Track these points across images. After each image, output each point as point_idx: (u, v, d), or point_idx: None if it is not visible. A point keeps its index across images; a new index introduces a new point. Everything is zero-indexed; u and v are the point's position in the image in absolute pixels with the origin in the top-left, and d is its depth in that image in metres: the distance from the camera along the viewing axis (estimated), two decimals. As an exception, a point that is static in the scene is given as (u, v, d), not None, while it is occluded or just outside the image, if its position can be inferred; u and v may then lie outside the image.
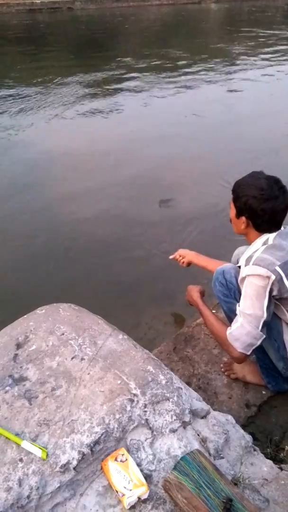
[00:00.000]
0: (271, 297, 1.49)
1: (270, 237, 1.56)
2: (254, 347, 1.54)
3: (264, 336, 1.53)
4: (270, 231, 1.58)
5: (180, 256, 2.35)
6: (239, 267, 1.64)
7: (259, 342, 1.53)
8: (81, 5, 22.86)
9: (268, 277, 1.45)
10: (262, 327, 1.51)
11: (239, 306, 1.56)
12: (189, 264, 2.33)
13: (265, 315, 1.49)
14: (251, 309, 1.50)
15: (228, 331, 1.58)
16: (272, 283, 1.46)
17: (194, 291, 1.93)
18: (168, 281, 2.92)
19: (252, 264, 1.49)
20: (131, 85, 8.05)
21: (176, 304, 2.79)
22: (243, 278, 1.53)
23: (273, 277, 1.45)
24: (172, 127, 5.84)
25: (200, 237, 3.44)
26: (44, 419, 1.19)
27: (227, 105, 6.93)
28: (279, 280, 1.46)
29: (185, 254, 2.32)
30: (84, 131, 5.80)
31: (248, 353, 1.56)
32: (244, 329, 1.52)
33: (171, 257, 2.44)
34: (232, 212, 1.65)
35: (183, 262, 2.34)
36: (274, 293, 1.49)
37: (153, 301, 2.82)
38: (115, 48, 12.36)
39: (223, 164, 4.64)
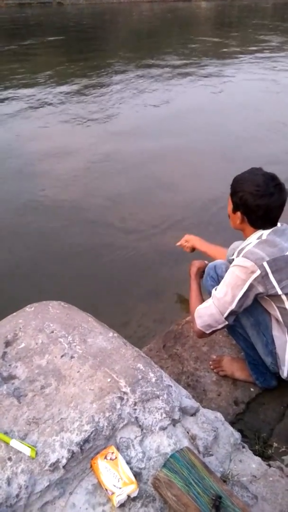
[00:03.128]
0: (249, 292, 1.52)
1: (265, 233, 1.58)
2: (214, 329, 1.63)
3: (227, 323, 1.60)
4: (265, 227, 1.60)
5: (185, 241, 2.47)
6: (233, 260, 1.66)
7: (219, 327, 1.61)
8: (71, 0, 22.66)
9: (253, 272, 1.49)
10: (229, 315, 1.57)
11: (215, 289, 1.62)
12: (193, 249, 2.46)
13: (234, 305, 1.54)
14: (223, 296, 1.56)
15: (198, 307, 1.66)
16: (255, 279, 1.49)
17: (194, 265, 2.01)
18: (158, 278, 2.93)
19: (242, 256, 1.53)
20: (120, 86, 7.99)
21: (166, 301, 2.80)
22: (231, 267, 1.59)
23: (258, 272, 1.48)
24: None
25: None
26: (33, 418, 1.18)
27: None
28: (264, 276, 1.48)
29: (189, 239, 2.45)
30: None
31: (207, 332, 1.64)
32: (209, 310, 1.60)
33: (177, 244, 2.55)
34: (230, 207, 1.67)
35: (187, 247, 2.46)
36: (260, 290, 1.51)
37: (143, 298, 2.82)
38: (105, 44, 12.29)
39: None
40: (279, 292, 1.49)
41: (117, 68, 8.74)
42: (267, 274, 1.48)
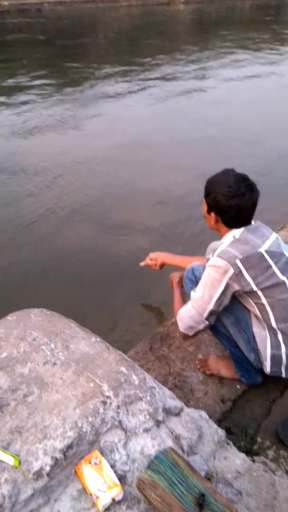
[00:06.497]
0: (226, 291, 1.55)
1: (238, 232, 1.61)
2: (196, 330, 1.66)
3: (208, 323, 1.62)
4: (238, 226, 1.63)
5: (151, 260, 2.40)
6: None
7: (201, 327, 1.65)
8: (50, 7, 22.67)
9: (227, 271, 1.52)
10: (208, 315, 1.60)
11: (194, 291, 1.65)
12: (162, 266, 2.40)
13: (212, 305, 1.57)
14: (200, 297, 1.59)
15: (179, 310, 1.70)
16: (230, 277, 1.52)
17: (175, 276, 2.06)
18: (144, 281, 2.93)
19: (216, 256, 1.55)
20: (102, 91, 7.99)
21: (153, 304, 2.81)
22: (206, 267, 1.61)
23: (231, 270, 1.51)
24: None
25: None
26: (16, 427, 1.18)
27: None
28: (238, 273, 1.51)
29: (156, 257, 2.40)
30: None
31: (190, 334, 1.68)
32: (189, 312, 1.64)
33: (142, 263, 2.50)
34: (204, 208, 1.70)
35: (156, 265, 2.40)
36: (236, 288, 1.54)
37: (130, 302, 2.82)
38: (85, 52, 12.30)
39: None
40: (255, 288, 1.52)
41: (105, 83, 8.67)
42: (241, 271, 1.50)
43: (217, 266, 1.53)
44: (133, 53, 12.08)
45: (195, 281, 1.78)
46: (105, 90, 7.88)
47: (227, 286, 1.54)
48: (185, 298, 1.98)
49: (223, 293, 1.55)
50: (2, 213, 3.87)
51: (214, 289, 1.55)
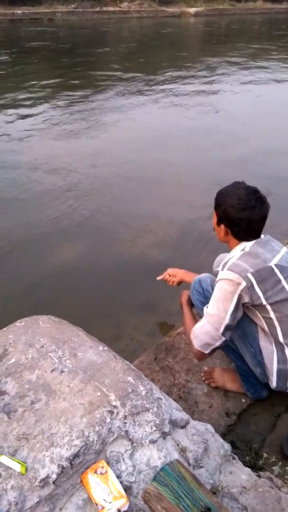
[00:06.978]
0: (239, 304, 1.55)
1: (248, 245, 1.62)
2: (212, 348, 1.61)
3: (225, 339, 1.59)
4: (248, 239, 1.63)
5: (169, 275, 2.34)
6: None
7: (217, 344, 1.60)
8: (62, 16, 23.02)
9: (239, 284, 1.51)
10: (224, 330, 1.57)
11: (207, 307, 1.62)
12: (179, 283, 2.32)
13: (227, 319, 1.55)
14: (215, 311, 1.56)
15: (193, 328, 1.65)
16: (242, 290, 1.52)
17: (185, 294, 2.01)
18: (150, 291, 2.94)
19: (226, 269, 1.55)
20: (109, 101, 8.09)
21: (158, 314, 2.82)
22: (216, 282, 1.60)
23: (243, 283, 1.51)
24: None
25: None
26: (23, 433, 1.18)
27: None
28: (250, 287, 1.51)
29: (175, 273, 2.31)
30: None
31: (206, 352, 1.62)
32: (204, 328, 1.60)
33: (159, 278, 2.42)
34: (214, 220, 1.71)
35: (173, 282, 2.32)
36: (246, 300, 1.54)
37: (135, 311, 2.83)
38: (97, 60, 12.45)
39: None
40: (264, 302, 1.52)
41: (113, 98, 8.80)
42: (252, 285, 1.51)
43: (228, 279, 1.53)
44: (149, 62, 12.26)
45: (202, 292, 1.79)
46: (125, 97, 8.06)
47: (239, 298, 1.53)
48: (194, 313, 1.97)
49: (237, 305, 1.54)
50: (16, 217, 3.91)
51: (228, 302, 1.54)
